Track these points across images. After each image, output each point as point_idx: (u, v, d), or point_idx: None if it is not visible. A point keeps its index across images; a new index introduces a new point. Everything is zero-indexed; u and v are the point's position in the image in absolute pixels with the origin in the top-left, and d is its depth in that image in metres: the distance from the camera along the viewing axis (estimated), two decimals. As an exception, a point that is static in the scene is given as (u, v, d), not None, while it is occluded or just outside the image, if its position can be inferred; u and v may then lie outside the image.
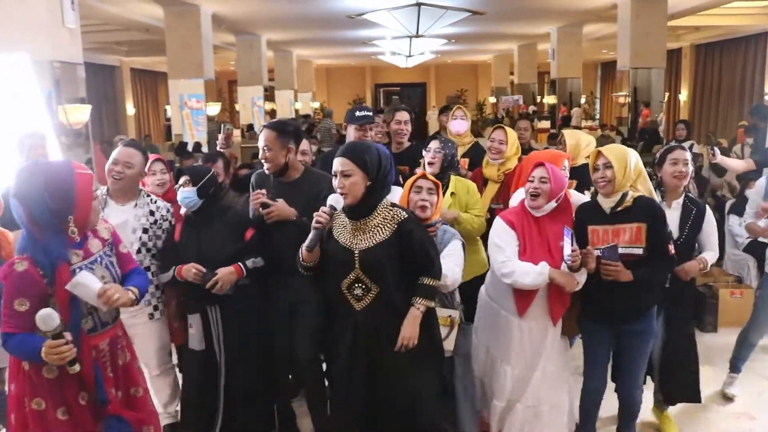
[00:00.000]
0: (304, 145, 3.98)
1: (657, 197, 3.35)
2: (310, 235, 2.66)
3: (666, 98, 13.26)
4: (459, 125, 4.96)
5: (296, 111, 18.20)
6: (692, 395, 3.61)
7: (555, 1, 10.71)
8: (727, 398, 4.12)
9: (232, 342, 3.33)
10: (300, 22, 12.39)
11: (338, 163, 2.67)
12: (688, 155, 3.45)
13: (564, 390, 3.26)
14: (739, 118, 14.23)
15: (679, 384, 3.58)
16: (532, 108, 18.57)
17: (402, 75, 23.84)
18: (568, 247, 2.88)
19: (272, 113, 15.91)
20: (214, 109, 11.14)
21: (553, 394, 3.18)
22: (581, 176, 3.92)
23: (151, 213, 3.33)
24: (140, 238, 3.27)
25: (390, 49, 16.10)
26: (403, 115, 4.41)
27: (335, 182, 2.70)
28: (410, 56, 15.48)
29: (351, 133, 4.02)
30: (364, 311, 2.72)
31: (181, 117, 10.63)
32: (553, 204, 3.07)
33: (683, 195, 3.46)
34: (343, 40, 16.05)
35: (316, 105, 22.87)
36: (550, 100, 16.83)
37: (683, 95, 17.67)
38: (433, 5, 9.35)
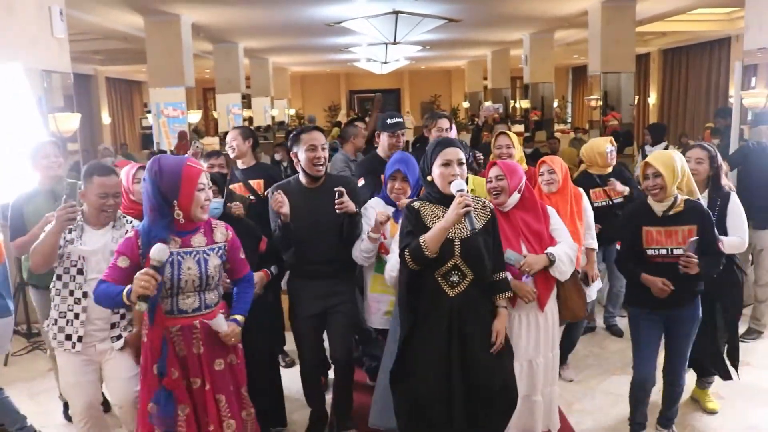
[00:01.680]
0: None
1: (698, 195, 3.54)
2: (468, 222, 2.70)
3: (635, 101, 13.62)
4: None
5: (272, 118, 18.31)
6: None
7: (527, 8, 11.00)
8: None
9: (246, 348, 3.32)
10: (278, 29, 12.53)
11: (456, 153, 2.87)
12: (703, 154, 3.77)
13: (555, 379, 3.42)
14: (706, 120, 14.65)
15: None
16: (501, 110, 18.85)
17: (376, 81, 24.06)
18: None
19: (249, 120, 16.01)
20: (195, 116, 11.22)
21: (546, 383, 3.33)
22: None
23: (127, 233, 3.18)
24: None
25: (366, 55, 16.28)
26: (444, 122, 4.44)
27: (452, 170, 2.82)
28: (386, 63, 15.66)
29: (384, 140, 4.20)
30: (459, 297, 2.84)
31: (157, 125, 10.70)
32: (516, 196, 3.27)
33: (707, 189, 3.78)
34: (320, 47, 16.22)
35: (292, 112, 22.98)
36: (523, 104, 17.15)
37: (652, 98, 18.12)
38: (410, 13, 9.56)
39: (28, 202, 3.83)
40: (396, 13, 9.47)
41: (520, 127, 16.71)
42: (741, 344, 4.89)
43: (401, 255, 2.83)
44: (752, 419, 4.01)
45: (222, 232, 2.89)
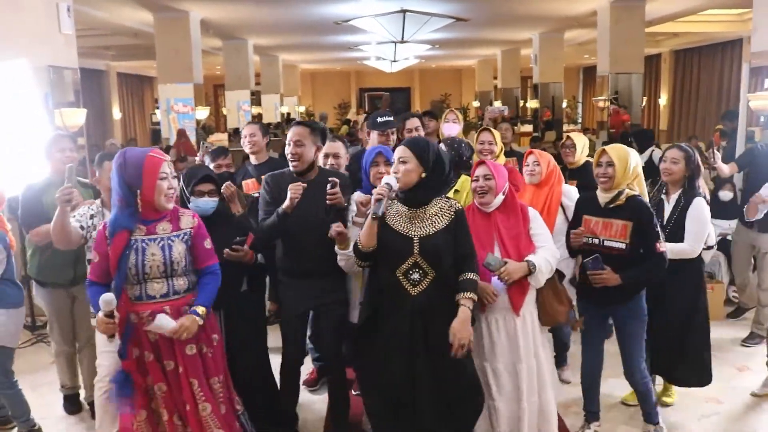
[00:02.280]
0: (334, 148, 3.95)
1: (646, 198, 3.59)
2: (373, 207, 2.79)
3: (644, 103, 13.56)
4: (451, 128, 5.18)
5: (281, 115, 18.35)
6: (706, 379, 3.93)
7: (537, 7, 10.97)
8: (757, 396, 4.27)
9: (234, 344, 3.42)
10: (287, 27, 12.56)
11: (399, 151, 2.91)
12: (679, 154, 3.77)
13: (546, 386, 3.30)
14: (717, 122, 14.55)
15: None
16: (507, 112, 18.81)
17: (387, 79, 24.04)
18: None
19: (259, 117, 16.05)
20: (203, 113, 11.27)
21: (532, 392, 3.24)
22: (581, 176, 4.52)
23: None
24: None
25: (375, 54, 16.28)
26: (414, 122, 4.56)
27: (376, 169, 3.04)
28: (395, 61, 15.65)
29: (374, 139, 4.17)
30: (421, 295, 2.86)
31: (167, 121, 10.76)
32: (501, 197, 3.24)
33: (680, 190, 3.78)
34: (329, 45, 16.23)
35: (302, 109, 23.01)
36: (532, 104, 17.10)
37: (663, 99, 18.02)
38: (418, 12, 9.56)
39: (46, 191, 3.85)
40: (404, 11, 9.48)
41: (529, 127, 16.69)
42: (744, 348, 4.97)
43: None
44: (752, 424, 4.00)
45: (188, 219, 2.97)
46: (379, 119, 4.23)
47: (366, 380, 3.08)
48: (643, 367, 3.56)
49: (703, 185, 4.00)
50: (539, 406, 3.26)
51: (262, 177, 4.36)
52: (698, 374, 3.91)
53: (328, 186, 3.21)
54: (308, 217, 3.33)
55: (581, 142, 4.83)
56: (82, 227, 3.29)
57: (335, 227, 3.21)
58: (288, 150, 3.42)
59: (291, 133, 3.42)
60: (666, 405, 4.11)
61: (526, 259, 3.13)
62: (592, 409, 3.77)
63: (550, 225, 3.69)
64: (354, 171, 3.90)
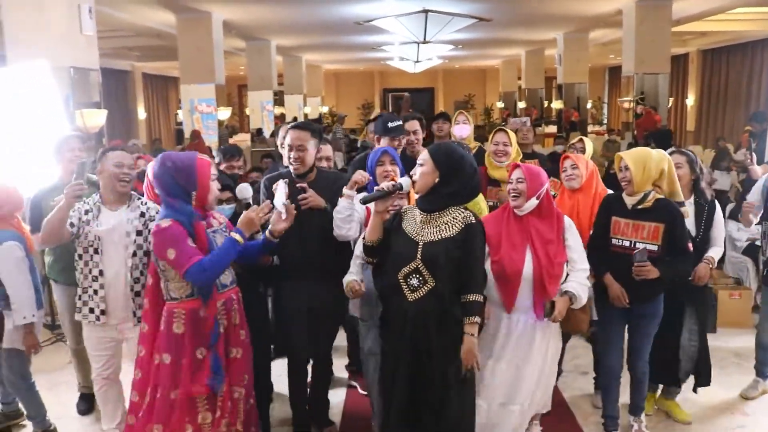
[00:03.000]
0: (326, 151, 3.98)
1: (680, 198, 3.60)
2: (373, 194, 2.86)
3: (670, 103, 13.33)
4: (462, 130, 5.12)
5: (305, 115, 18.39)
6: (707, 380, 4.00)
7: (560, 7, 10.84)
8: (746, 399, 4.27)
9: None
10: (309, 27, 12.57)
11: (421, 156, 2.92)
12: (681, 159, 3.77)
13: (550, 391, 3.35)
14: (744, 123, 14.28)
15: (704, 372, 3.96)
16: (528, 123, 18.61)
17: (410, 80, 23.99)
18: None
19: (282, 117, 16.10)
20: (224, 113, 11.32)
21: (542, 394, 3.25)
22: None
23: (142, 214, 3.34)
24: (135, 241, 3.29)
25: (398, 54, 16.23)
26: (413, 125, 4.44)
27: (381, 168, 3.12)
28: (418, 61, 15.59)
29: (385, 144, 4.03)
30: (416, 303, 2.83)
31: (191, 121, 10.84)
32: (534, 201, 3.16)
33: (692, 195, 3.78)
34: (352, 46, 16.22)
35: (325, 109, 23.05)
36: (557, 104, 16.93)
37: (690, 100, 17.73)
38: (440, 12, 9.49)
39: (47, 197, 3.85)
40: (426, 11, 9.41)
41: (554, 128, 16.53)
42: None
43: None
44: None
45: (218, 215, 3.16)
46: (389, 124, 4.12)
47: (380, 378, 3.10)
48: (647, 359, 3.65)
49: (708, 189, 3.96)
50: (540, 401, 3.31)
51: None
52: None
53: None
54: (302, 217, 3.29)
55: (590, 147, 4.58)
56: (72, 224, 3.25)
57: (359, 174, 3.32)
58: (289, 154, 3.39)
59: (291, 137, 3.38)
60: (687, 422, 4.00)
61: (565, 289, 3.11)
62: (611, 414, 3.71)
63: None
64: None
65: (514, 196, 3.19)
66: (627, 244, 3.42)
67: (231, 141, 14.53)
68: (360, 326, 3.44)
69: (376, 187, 2.86)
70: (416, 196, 2.98)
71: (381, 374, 3.05)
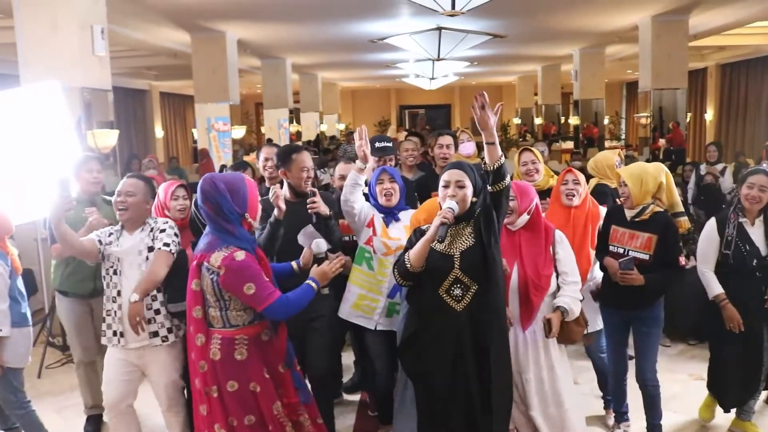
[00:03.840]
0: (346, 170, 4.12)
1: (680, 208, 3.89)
2: (439, 231, 2.82)
3: (689, 119, 13.16)
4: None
5: (322, 133, 18.42)
6: None
7: (576, 23, 10.78)
8: None
9: None
10: (323, 46, 12.60)
11: (455, 174, 2.96)
12: (766, 180, 3.67)
13: (567, 397, 3.31)
14: (766, 138, 14.07)
15: None
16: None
17: (427, 96, 23.99)
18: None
19: (298, 135, 16.14)
20: (239, 132, 11.36)
21: (555, 400, 3.27)
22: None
23: (152, 230, 3.40)
24: (147, 258, 3.35)
25: (413, 71, 16.25)
26: (446, 139, 4.60)
27: (448, 191, 2.93)
28: (433, 78, 15.60)
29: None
30: (466, 310, 2.93)
31: (208, 139, 10.88)
32: (525, 217, 3.30)
33: (762, 214, 3.75)
34: (367, 63, 16.25)
35: (342, 126, 23.11)
36: (574, 120, 16.83)
37: (709, 115, 17.52)
38: (454, 29, 9.47)
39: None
40: (440, 29, 9.41)
41: (571, 144, 16.39)
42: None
43: (393, 271, 3.04)
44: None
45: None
46: (377, 144, 4.25)
47: (417, 394, 3.12)
48: (655, 370, 3.71)
49: None
50: (561, 420, 3.25)
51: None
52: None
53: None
54: (297, 232, 3.31)
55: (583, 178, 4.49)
56: (100, 241, 3.36)
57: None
58: (305, 176, 3.59)
59: (302, 160, 3.59)
60: None
61: (558, 305, 3.21)
62: (620, 410, 3.94)
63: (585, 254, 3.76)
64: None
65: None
66: (621, 251, 3.63)
67: (247, 158, 14.62)
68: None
69: (438, 221, 2.82)
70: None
71: (421, 390, 3.07)
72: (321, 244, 3.09)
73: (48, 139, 4.83)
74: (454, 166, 3.03)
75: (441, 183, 3.00)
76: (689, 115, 13.29)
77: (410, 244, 3.01)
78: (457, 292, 2.93)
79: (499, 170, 2.92)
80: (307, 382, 3.42)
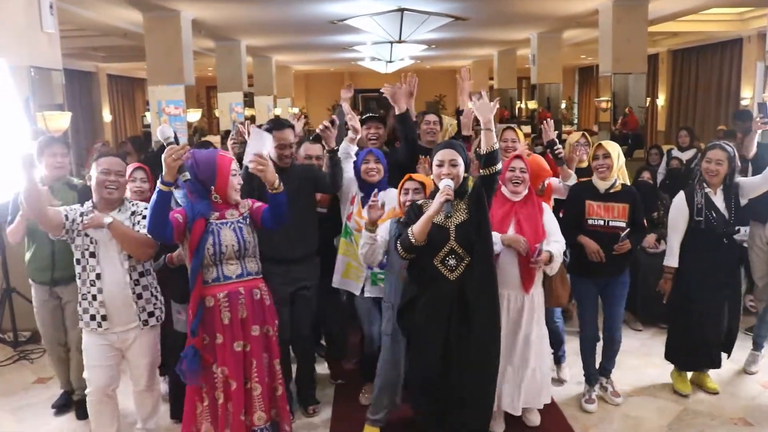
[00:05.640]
0: (315, 150, 4.44)
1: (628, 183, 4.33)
2: (444, 208, 3.06)
3: (647, 103, 13.33)
4: None
5: (275, 116, 18.04)
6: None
7: (536, 6, 10.72)
8: (749, 373, 4.66)
9: None
10: (281, 27, 12.27)
11: (448, 153, 3.21)
12: (723, 155, 4.06)
13: (546, 355, 3.81)
14: (715, 122, 14.36)
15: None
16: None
17: (381, 81, 23.46)
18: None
19: (252, 119, 15.76)
20: (194, 115, 10.97)
21: (537, 358, 3.67)
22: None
23: (133, 213, 3.38)
24: None
25: (370, 54, 16.01)
26: (432, 117, 4.91)
27: (443, 170, 3.17)
28: (391, 62, 15.38)
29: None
30: (459, 280, 3.17)
31: (159, 123, 10.47)
32: (526, 191, 3.75)
33: (721, 183, 4.12)
34: (324, 46, 15.96)
35: (295, 110, 22.73)
36: (531, 105, 16.88)
37: (660, 100, 17.82)
38: (416, 11, 9.30)
39: None
40: (401, 10, 9.22)
41: (527, 128, 16.43)
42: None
43: (395, 245, 3.23)
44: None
45: (245, 203, 3.29)
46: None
47: (410, 356, 3.40)
48: (620, 327, 4.20)
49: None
50: (539, 375, 3.68)
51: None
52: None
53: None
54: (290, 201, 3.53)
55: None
56: (66, 217, 3.27)
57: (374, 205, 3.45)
58: (281, 152, 3.86)
59: (285, 137, 3.86)
60: (716, 392, 4.36)
61: (546, 249, 3.56)
62: (592, 372, 4.26)
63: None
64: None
65: (516, 183, 3.66)
66: (601, 223, 3.99)
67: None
68: (381, 308, 3.78)
69: (443, 198, 3.05)
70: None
71: (415, 348, 3.33)
72: (166, 131, 3.00)
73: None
74: (446, 146, 3.28)
75: (435, 162, 3.24)
76: (647, 99, 13.43)
77: (409, 219, 3.22)
78: (452, 262, 3.17)
79: (490, 155, 3.20)
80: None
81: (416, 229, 3.11)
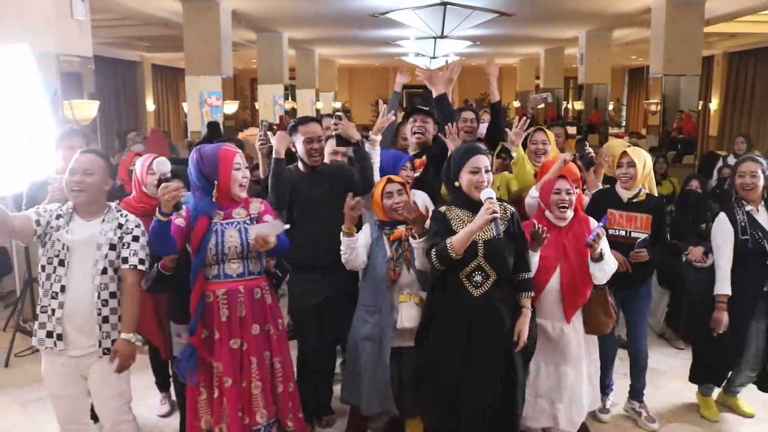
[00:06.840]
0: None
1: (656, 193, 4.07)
2: (495, 228, 2.90)
3: (700, 106, 12.77)
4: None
5: (317, 111, 17.95)
6: None
7: (586, 4, 10.34)
8: None
9: None
10: (322, 20, 12.12)
11: (483, 161, 3.05)
12: (757, 167, 3.81)
13: (585, 392, 3.43)
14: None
15: None
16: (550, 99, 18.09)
17: (425, 77, 23.44)
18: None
19: (293, 112, 15.67)
20: (231, 107, 10.89)
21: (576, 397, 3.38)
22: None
23: (120, 226, 2.98)
24: (106, 256, 2.91)
25: (414, 50, 15.78)
26: (470, 114, 4.63)
27: (479, 177, 3.01)
28: (434, 58, 15.11)
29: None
30: (483, 297, 3.01)
31: (200, 114, 10.44)
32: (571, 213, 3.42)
33: (762, 199, 3.86)
34: (366, 40, 15.78)
35: (338, 105, 22.63)
36: (576, 105, 16.41)
37: (713, 104, 17.14)
38: (460, 5, 9.02)
39: (41, 188, 3.67)
40: (444, 4, 8.96)
41: (573, 129, 15.97)
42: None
43: (428, 255, 3.03)
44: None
45: (256, 205, 3.16)
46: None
47: (424, 377, 3.20)
48: (645, 341, 4.02)
49: None
50: (577, 414, 3.39)
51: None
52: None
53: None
54: (314, 209, 3.53)
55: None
56: (38, 222, 2.88)
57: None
58: (311, 147, 3.62)
59: (309, 131, 3.62)
60: (751, 415, 4.15)
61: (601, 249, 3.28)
62: (608, 383, 4.06)
63: None
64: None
65: (562, 208, 3.33)
66: (623, 233, 3.78)
67: (241, 135, 14.15)
68: (359, 312, 3.50)
69: (490, 212, 2.87)
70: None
71: (429, 365, 3.14)
72: (161, 166, 2.85)
73: (19, 108, 4.42)
74: (478, 151, 3.09)
75: (468, 168, 3.04)
76: (700, 103, 12.88)
77: (436, 225, 3.06)
78: (478, 278, 3.00)
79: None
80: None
81: (456, 243, 2.93)
